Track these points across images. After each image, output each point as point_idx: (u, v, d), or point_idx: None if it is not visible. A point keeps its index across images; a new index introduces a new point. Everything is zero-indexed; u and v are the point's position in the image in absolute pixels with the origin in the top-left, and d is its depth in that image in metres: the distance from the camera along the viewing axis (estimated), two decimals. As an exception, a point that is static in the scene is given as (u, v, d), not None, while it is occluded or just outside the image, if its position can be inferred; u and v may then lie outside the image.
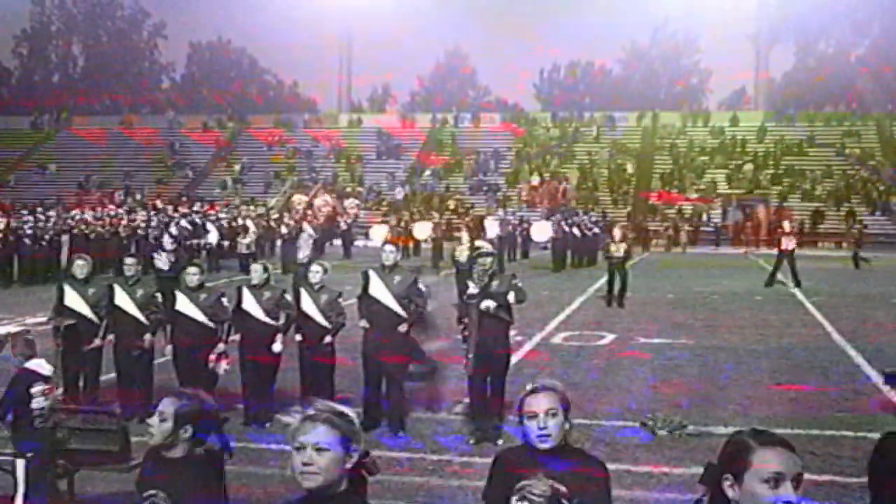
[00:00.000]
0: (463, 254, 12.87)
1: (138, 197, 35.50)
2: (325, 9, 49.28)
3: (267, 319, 6.79)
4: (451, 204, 35.42)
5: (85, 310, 6.97)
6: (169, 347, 6.86)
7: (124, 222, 20.69)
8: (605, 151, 39.46)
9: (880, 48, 51.49)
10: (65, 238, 18.41)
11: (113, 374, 7.13)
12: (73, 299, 7.05)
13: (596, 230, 24.90)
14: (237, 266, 19.64)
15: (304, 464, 1.97)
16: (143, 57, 62.84)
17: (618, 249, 14.44)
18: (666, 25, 58.08)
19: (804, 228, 31.10)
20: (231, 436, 2.91)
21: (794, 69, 55.33)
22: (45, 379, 4.55)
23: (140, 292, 6.99)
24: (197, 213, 24.62)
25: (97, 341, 6.95)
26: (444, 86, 61.26)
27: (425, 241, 24.30)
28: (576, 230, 23.24)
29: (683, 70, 59.38)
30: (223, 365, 6.76)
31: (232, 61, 63.56)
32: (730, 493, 1.87)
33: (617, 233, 15.17)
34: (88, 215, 20.97)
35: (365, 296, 6.82)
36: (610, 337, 11.10)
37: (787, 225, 18.98)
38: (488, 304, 6.21)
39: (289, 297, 7.00)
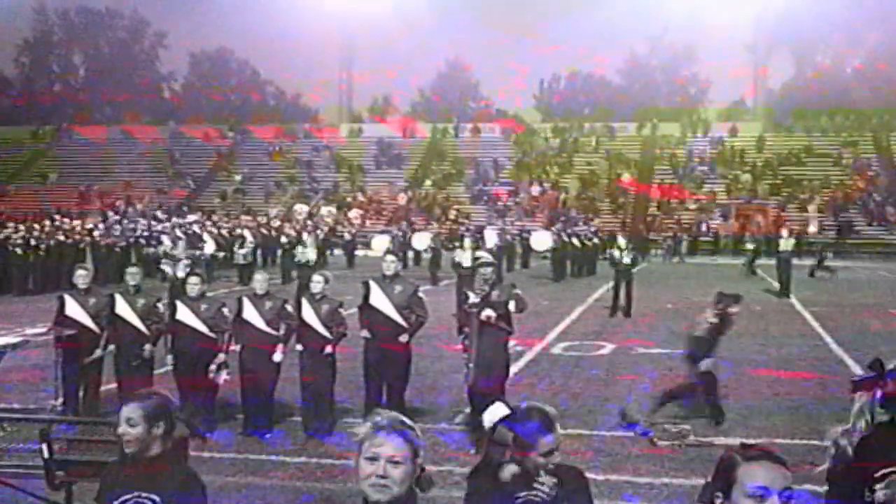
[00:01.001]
0: (465, 257, 12.88)
1: (139, 206, 35.55)
2: (327, 19, 49.57)
3: (268, 329, 6.80)
4: (452, 213, 35.49)
5: (86, 320, 6.97)
6: (169, 357, 6.86)
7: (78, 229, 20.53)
8: (604, 161, 39.57)
9: (876, 59, 51.76)
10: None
11: (113, 385, 7.12)
12: (73, 309, 7.05)
13: (595, 240, 24.96)
14: (236, 276, 19.67)
15: (379, 476, 1.93)
16: (143, 66, 63.07)
17: (622, 256, 14.42)
18: (665, 36, 58.42)
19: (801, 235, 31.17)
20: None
21: (792, 80, 55.57)
22: None
23: (141, 302, 6.99)
24: (196, 222, 24.69)
25: (98, 352, 6.95)
26: (446, 96, 61.44)
27: (425, 250, 24.33)
28: (575, 240, 23.29)
29: (682, 80, 59.61)
30: (223, 374, 6.76)
31: (233, 71, 63.80)
32: None
33: (622, 240, 15.15)
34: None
35: (366, 306, 6.83)
36: (610, 347, 11.10)
37: (784, 232, 19.16)
38: (489, 313, 6.23)
39: (289, 307, 7.01)
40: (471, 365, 6.28)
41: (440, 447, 6.42)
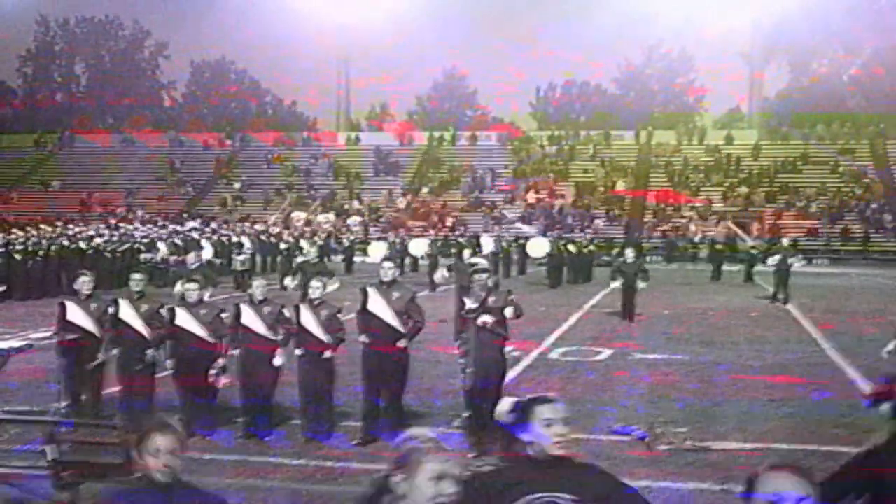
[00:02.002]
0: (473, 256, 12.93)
1: (140, 213, 35.66)
2: (325, 29, 49.82)
3: (267, 334, 6.86)
4: (448, 221, 35.59)
5: (88, 325, 7.03)
6: (169, 362, 6.91)
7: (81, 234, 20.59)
8: (600, 169, 39.73)
9: (873, 66, 52.05)
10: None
11: (116, 388, 7.17)
12: (76, 314, 7.11)
13: (592, 247, 25.07)
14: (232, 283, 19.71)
15: (447, 495, 2.04)
16: (144, 76, 63.34)
17: (630, 260, 14.70)
18: (660, 45, 58.73)
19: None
20: None
21: (787, 88, 55.84)
22: None
23: (145, 307, 7.05)
24: (196, 229, 24.76)
25: (100, 356, 7.00)
26: (443, 104, 61.66)
27: (422, 257, 24.41)
28: (571, 246, 23.39)
29: (678, 89, 59.90)
30: (223, 379, 6.82)
31: (232, 81, 64.07)
32: None
33: (630, 251, 15.49)
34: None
35: (364, 311, 6.89)
36: (607, 352, 11.15)
37: (784, 241, 19.40)
38: (486, 319, 6.29)
39: (287, 312, 7.07)
40: (468, 369, 6.34)
41: (438, 450, 6.47)
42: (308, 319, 6.81)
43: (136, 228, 23.88)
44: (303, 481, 5.73)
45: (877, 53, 51.76)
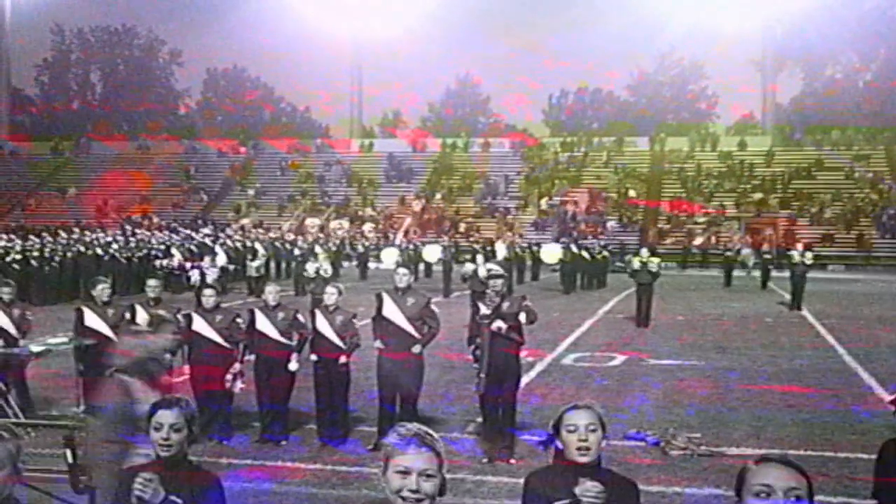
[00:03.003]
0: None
1: (155, 220, 35.97)
2: (338, 36, 50.12)
3: (282, 339, 6.91)
4: (462, 227, 35.64)
5: (105, 330, 7.12)
6: (186, 367, 6.98)
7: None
8: (613, 176, 39.65)
9: (887, 75, 51.66)
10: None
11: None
12: (93, 320, 7.20)
13: (605, 253, 25.03)
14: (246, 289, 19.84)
15: (412, 491, 1.89)
16: (159, 84, 64.03)
17: (646, 267, 14.66)
18: (673, 52, 58.61)
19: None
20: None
21: (801, 94, 55.51)
22: None
23: (161, 313, 7.12)
24: (209, 235, 24.94)
25: (117, 361, 7.07)
26: (456, 112, 61.82)
27: (436, 263, 24.45)
28: (585, 252, 23.35)
29: (691, 95, 59.73)
30: (239, 384, 6.88)
31: (247, 88, 64.61)
32: None
33: (645, 251, 15.38)
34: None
35: (379, 317, 6.93)
36: (620, 358, 11.13)
37: (799, 246, 19.33)
38: (500, 324, 6.31)
39: (301, 317, 7.13)
40: (482, 375, 6.36)
41: (452, 455, 6.49)
42: (323, 325, 6.87)
43: (152, 235, 24.08)
44: (318, 486, 5.77)
45: (889, 61, 51.39)
